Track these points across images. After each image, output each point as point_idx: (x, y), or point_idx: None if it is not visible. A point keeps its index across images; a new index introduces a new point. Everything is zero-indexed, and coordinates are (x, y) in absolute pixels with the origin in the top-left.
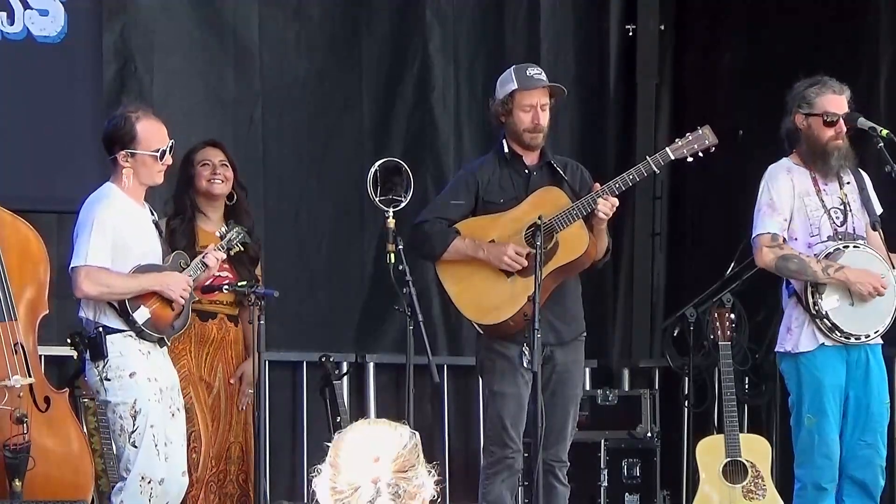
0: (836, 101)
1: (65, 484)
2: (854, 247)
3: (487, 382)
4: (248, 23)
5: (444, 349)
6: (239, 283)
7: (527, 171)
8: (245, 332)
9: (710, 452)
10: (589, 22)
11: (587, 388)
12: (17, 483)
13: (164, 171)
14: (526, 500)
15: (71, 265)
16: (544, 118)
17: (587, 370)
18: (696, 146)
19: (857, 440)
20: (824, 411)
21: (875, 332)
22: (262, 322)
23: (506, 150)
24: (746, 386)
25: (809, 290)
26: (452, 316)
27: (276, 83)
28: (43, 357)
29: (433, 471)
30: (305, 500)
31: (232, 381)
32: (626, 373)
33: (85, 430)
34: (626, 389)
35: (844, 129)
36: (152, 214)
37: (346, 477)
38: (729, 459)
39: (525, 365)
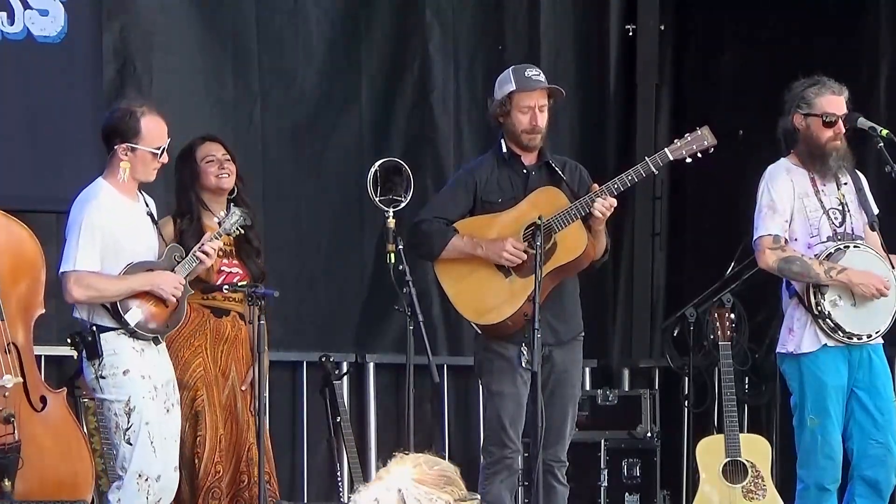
0: (835, 101)
1: (63, 483)
2: (854, 247)
3: (486, 382)
4: (247, 23)
5: (444, 349)
6: (239, 283)
7: (525, 171)
8: (243, 332)
9: (710, 452)
10: (589, 22)
11: (587, 387)
12: (7, 483)
13: (157, 168)
14: (525, 500)
15: (60, 270)
16: (542, 119)
17: (587, 370)
18: (695, 147)
19: (868, 440)
20: (827, 412)
21: (877, 332)
22: (262, 322)
23: (504, 150)
24: (746, 386)
25: (811, 290)
26: (452, 316)
27: (275, 83)
28: (43, 357)
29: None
30: (305, 500)
31: (244, 388)
32: (626, 373)
33: (85, 430)
34: (626, 389)
35: (843, 130)
36: (147, 206)
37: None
38: (729, 459)
39: (524, 365)
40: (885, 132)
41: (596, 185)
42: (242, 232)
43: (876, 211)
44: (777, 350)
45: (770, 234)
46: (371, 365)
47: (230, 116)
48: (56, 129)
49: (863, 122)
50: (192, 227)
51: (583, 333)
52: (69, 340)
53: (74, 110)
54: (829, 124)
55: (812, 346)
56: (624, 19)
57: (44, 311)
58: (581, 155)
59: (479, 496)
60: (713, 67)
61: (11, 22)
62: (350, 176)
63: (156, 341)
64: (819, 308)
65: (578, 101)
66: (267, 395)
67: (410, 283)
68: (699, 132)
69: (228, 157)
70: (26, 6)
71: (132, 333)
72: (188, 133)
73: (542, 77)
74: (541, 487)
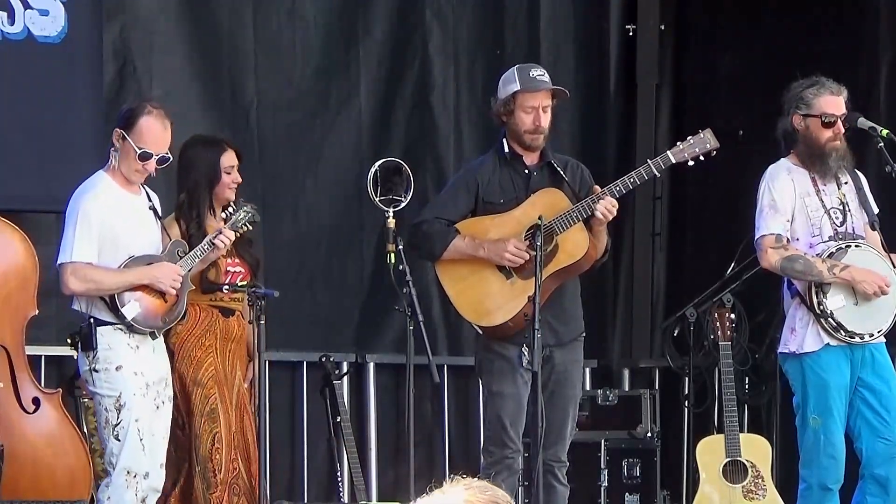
0: (833, 101)
1: (58, 484)
2: (856, 246)
3: (486, 383)
4: (243, 24)
5: (445, 349)
6: (239, 284)
7: (527, 171)
8: (246, 331)
9: (710, 452)
10: (589, 22)
11: (587, 388)
12: None
13: (142, 174)
14: (526, 501)
15: (58, 262)
16: (546, 120)
17: (587, 370)
18: (697, 150)
19: (877, 438)
20: (830, 411)
21: (878, 332)
22: (262, 322)
23: (506, 149)
24: (746, 386)
25: (814, 289)
26: (452, 316)
27: (272, 83)
28: (43, 357)
29: None
30: (305, 500)
31: (246, 385)
32: (626, 373)
33: (85, 429)
34: (626, 389)
35: (842, 130)
36: (150, 201)
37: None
38: (729, 459)
39: (524, 365)
40: (885, 132)
41: (598, 188)
42: (250, 228)
43: (876, 210)
44: (779, 350)
45: (772, 234)
46: (371, 365)
47: (228, 117)
48: (56, 129)
49: (863, 122)
50: (199, 232)
51: (583, 334)
52: (69, 340)
53: (74, 110)
54: (827, 125)
55: (814, 346)
56: (624, 19)
57: (37, 312)
58: (581, 155)
59: None
60: (713, 67)
61: (12, 22)
62: (350, 176)
63: (153, 336)
64: (821, 307)
65: (578, 101)
66: (267, 394)
67: (410, 283)
68: (702, 135)
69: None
70: (26, 6)
71: (129, 328)
72: (187, 133)
73: (546, 77)
74: (541, 487)
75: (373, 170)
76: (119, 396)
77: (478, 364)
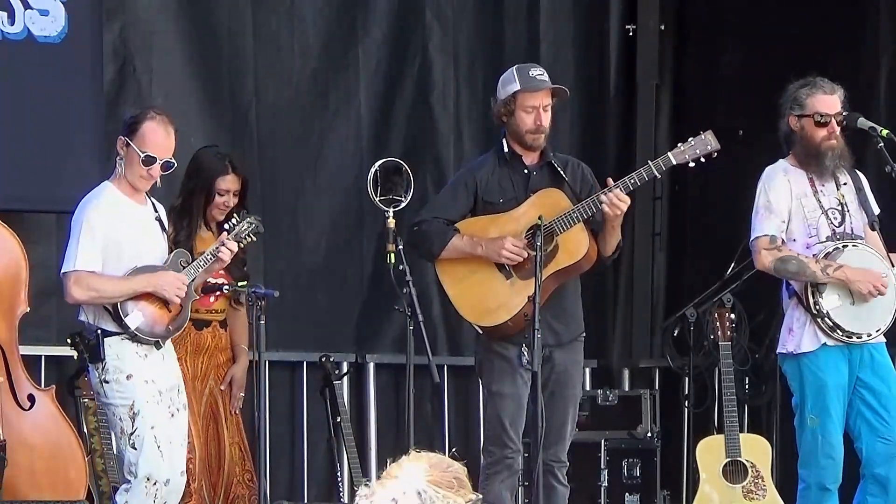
0: (826, 101)
1: (54, 481)
2: (853, 246)
3: (486, 383)
4: (243, 23)
5: (445, 349)
6: (239, 284)
7: (526, 170)
8: (232, 332)
9: (710, 452)
10: (589, 22)
11: (587, 388)
12: None
13: (148, 180)
14: (526, 501)
15: (62, 271)
16: (546, 119)
17: (587, 370)
18: (698, 151)
19: (876, 438)
20: (828, 411)
21: (877, 331)
22: (262, 322)
23: (506, 149)
24: (746, 386)
25: (810, 289)
26: (452, 316)
27: (272, 83)
28: (43, 357)
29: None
30: (305, 500)
31: (223, 388)
32: (626, 373)
33: (85, 429)
34: (626, 389)
35: (838, 129)
36: (156, 212)
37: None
38: (729, 459)
39: (524, 365)
40: (885, 132)
41: (610, 180)
42: (254, 239)
43: (876, 210)
44: (777, 350)
45: (766, 235)
46: (371, 365)
47: (227, 117)
48: (56, 129)
49: (863, 122)
50: (187, 242)
51: (584, 334)
52: (69, 340)
53: (74, 110)
54: (821, 124)
55: (812, 346)
56: (624, 19)
57: (28, 309)
58: (581, 155)
59: (480, 496)
60: (713, 67)
61: (12, 22)
62: (350, 176)
63: (157, 346)
64: (817, 307)
65: (578, 101)
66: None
67: (410, 283)
68: (703, 136)
69: (237, 193)
70: (27, 6)
71: (133, 337)
72: (186, 133)
73: (546, 77)
74: (541, 487)
75: (373, 170)
76: (132, 405)
77: (478, 364)
